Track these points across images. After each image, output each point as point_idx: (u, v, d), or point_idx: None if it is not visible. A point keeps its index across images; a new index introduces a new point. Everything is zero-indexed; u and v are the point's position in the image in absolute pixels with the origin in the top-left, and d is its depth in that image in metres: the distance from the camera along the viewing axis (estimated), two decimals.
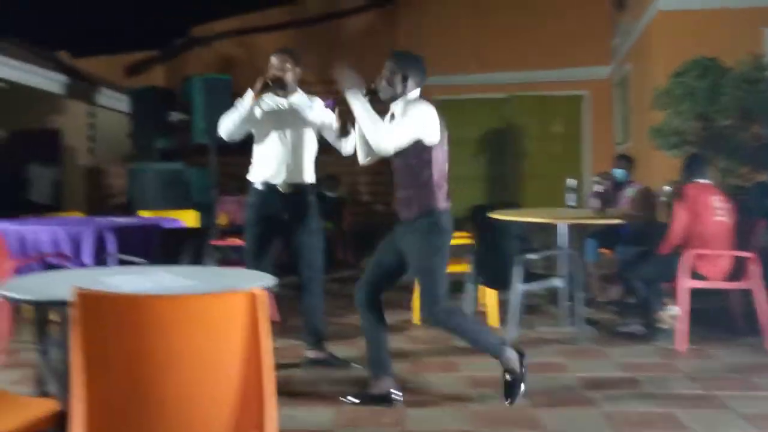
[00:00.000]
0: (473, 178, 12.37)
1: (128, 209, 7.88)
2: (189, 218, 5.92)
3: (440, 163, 3.28)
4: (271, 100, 3.86)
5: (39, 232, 4.45)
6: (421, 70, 3.38)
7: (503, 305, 5.01)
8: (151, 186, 7.82)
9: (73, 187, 10.74)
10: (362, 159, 3.47)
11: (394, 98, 3.33)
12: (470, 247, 5.03)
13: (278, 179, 3.79)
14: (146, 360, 1.58)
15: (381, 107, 3.32)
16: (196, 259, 4.27)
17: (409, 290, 6.07)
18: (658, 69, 7.80)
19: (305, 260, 3.87)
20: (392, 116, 3.29)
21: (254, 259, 3.80)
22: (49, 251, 4.42)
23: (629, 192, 5.71)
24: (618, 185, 5.86)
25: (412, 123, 3.16)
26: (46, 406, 1.88)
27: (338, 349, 4.15)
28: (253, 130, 3.86)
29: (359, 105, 3.16)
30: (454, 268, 5.24)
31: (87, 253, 4.35)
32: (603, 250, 5.84)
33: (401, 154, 3.21)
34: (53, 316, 2.36)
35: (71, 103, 10.51)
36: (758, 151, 6.39)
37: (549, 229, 5.31)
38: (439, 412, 3.26)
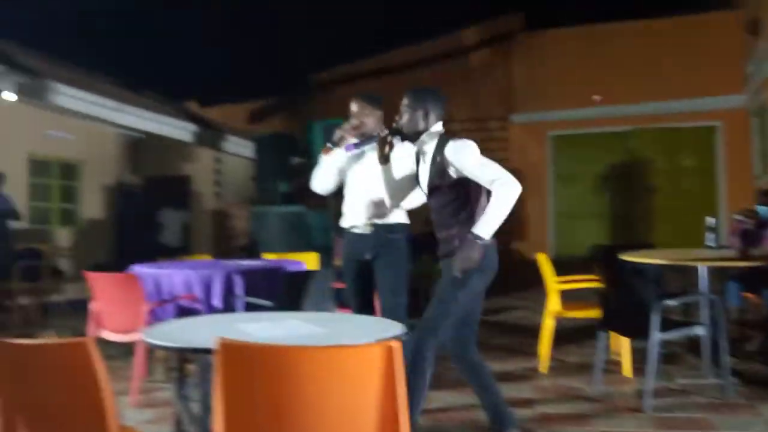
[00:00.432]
0: (594, 215, 11.92)
1: (252, 251, 8.16)
2: (310, 260, 6.02)
3: (481, 199, 3.19)
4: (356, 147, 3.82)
5: (173, 275, 4.64)
6: (440, 102, 3.30)
7: (637, 353, 4.70)
8: (273, 228, 8.07)
9: (200, 229, 11.33)
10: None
11: (417, 135, 3.26)
12: (599, 291, 4.76)
13: (360, 221, 3.81)
14: (284, 410, 1.55)
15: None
16: (319, 303, 4.29)
17: (534, 335, 5.85)
18: None
19: (380, 297, 3.85)
20: (420, 154, 3.29)
21: (355, 305, 3.83)
22: (182, 294, 4.59)
23: None
24: (762, 223, 5.39)
25: (483, 160, 3.11)
26: None
27: (452, 396, 4.02)
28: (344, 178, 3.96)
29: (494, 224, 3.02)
30: (582, 313, 5.01)
31: (217, 296, 4.48)
32: (747, 294, 5.37)
33: (439, 193, 3.18)
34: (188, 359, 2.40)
35: (200, 150, 11.15)
36: None
37: (686, 272, 4.96)
38: None
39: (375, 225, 3.77)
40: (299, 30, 16.24)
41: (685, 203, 11.01)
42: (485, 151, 11.40)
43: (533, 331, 6.23)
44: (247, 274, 4.62)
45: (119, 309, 4.38)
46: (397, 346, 1.49)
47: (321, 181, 3.90)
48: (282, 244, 7.47)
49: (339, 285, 5.66)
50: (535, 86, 11.90)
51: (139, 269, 4.88)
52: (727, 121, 10.85)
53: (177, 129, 10.43)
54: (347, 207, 3.92)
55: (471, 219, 3.11)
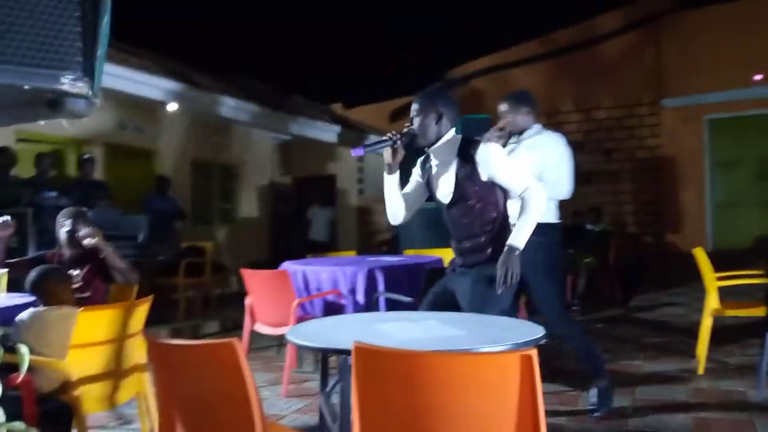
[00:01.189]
0: (757, 203, 10.95)
1: (394, 246, 8.30)
2: (450, 256, 6.03)
3: (505, 204, 3.05)
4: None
5: (320, 272, 4.86)
6: (453, 104, 3.04)
7: None
8: (414, 224, 8.16)
9: (345, 225, 11.73)
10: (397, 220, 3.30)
11: (431, 142, 3.02)
12: (765, 287, 4.38)
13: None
14: (418, 415, 1.58)
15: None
16: None
17: (691, 334, 5.49)
18: None
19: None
20: (431, 162, 3.10)
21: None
22: (328, 289, 4.79)
23: None
24: None
25: (512, 164, 2.98)
26: None
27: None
28: None
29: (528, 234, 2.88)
30: (744, 312, 4.63)
31: (360, 292, 4.63)
32: None
33: (464, 202, 2.96)
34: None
35: (344, 150, 11.52)
36: None
37: None
38: None
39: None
40: (436, 26, 16.32)
41: None
42: (635, 139, 11.02)
43: (690, 330, 5.85)
44: (389, 271, 4.73)
45: (271, 303, 4.64)
46: (534, 354, 1.47)
47: None
48: (423, 239, 7.54)
49: None
50: (688, 68, 11.11)
51: (289, 266, 5.15)
52: None
53: (323, 131, 10.86)
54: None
55: (503, 227, 2.97)
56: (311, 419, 3.83)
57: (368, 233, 11.66)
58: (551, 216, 3.75)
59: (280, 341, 5.60)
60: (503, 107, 3.80)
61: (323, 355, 2.33)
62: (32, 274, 3.00)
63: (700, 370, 4.57)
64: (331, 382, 2.45)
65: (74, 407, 2.59)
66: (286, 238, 11.74)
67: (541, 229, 3.68)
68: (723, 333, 5.09)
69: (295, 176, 12.37)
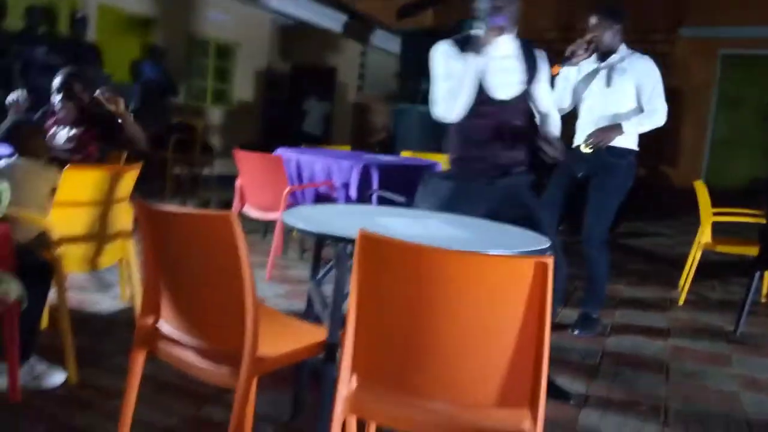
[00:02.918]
0: (756, 145, 10.86)
1: (390, 147, 8.16)
2: (445, 161, 5.92)
3: None
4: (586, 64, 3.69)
5: (314, 161, 4.74)
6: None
7: None
8: (412, 126, 7.99)
9: (341, 120, 11.49)
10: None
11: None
12: (760, 227, 4.34)
13: (579, 141, 3.69)
14: (420, 310, 1.51)
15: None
16: None
17: (674, 264, 5.52)
18: None
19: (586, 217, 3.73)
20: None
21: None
22: (321, 180, 4.69)
23: None
24: None
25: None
26: (315, 334, 1.93)
27: None
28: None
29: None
30: (736, 249, 4.62)
31: (354, 187, 4.54)
32: None
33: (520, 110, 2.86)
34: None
35: (347, 41, 11.12)
36: None
37: None
38: (705, 413, 2.86)
39: (594, 147, 3.54)
40: None
41: None
42: None
43: (673, 261, 5.89)
44: (385, 169, 4.62)
45: (263, 187, 4.55)
46: (551, 263, 1.38)
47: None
48: (420, 142, 7.40)
49: None
50: None
51: (283, 152, 5.02)
52: None
53: (328, 18, 10.41)
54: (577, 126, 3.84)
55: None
56: (294, 305, 3.83)
57: (363, 132, 11.46)
58: (633, 142, 3.69)
59: (266, 226, 5.55)
60: (593, 20, 3.56)
61: (318, 241, 2.25)
62: (5, 124, 2.94)
63: (681, 301, 4.61)
64: (322, 271, 2.38)
65: (54, 265, 2.53)
66: (278, 126, 11.50)
67: (623, 152, 3.63)
68: (706, 268, 5.10)
69: (294, 64, 11.96)
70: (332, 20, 10.47)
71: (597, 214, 3.65)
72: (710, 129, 11.15)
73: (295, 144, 6.15)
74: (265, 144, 7.82)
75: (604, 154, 3.59)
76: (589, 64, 3.65)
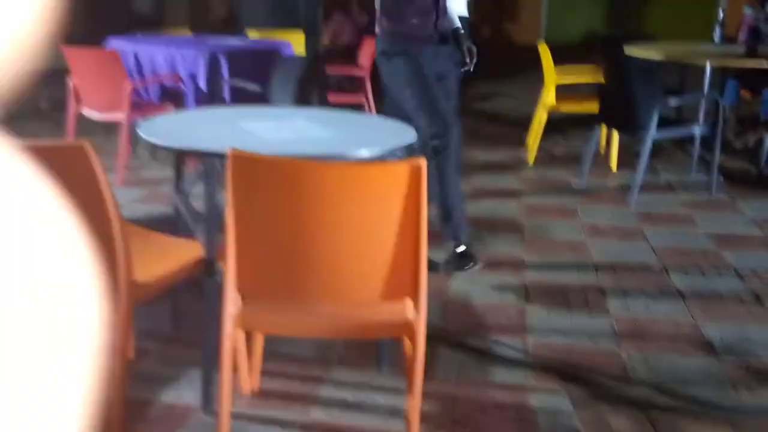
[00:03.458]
0: (591, 1, 11.34)
1: (233, 23, 7.70)
2: (296, 40, 5.70)
3: None
4: None
5: (155, 53, 4.39)
6: None
7: (622, 146, 4.73)
8: (257, 1, 7.54)
9: None
10: None
11: None
12: (599, 85, 4.64)
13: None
14: (299, 222, 1.51)
15: None
16: (309, 91, 4.14)
17: (521, 124, 5.81)
18: None
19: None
20: None
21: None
22: (165, 73, 4.38)
23: None
24: None
25: None
26: (190, 251, 1.88)
27: None
28: None
29: None
30: (578, 107, 4.93)
31: (202, 78, 4.29)
32: (744, 92, 5.30)
33: None
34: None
35: None
36: None
37: (685, 66, 4.82)
38: (558, 264, 3.15)
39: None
40: None
41: None
42: None
43: (520, 121, 6.18)
44: (234, 55, 4.39)
45: (100, 86, 4.18)
46: (424, 165, 1.41)
47: None
48: (266, 18, 7.02)
49: (333, 70, 5.47)
50: None
51: (118, 44, 4.60)
52: None
53: None
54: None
55: None
56: (153, 210, 3.68)
57: (203, 8, 10.67)
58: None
59: (110, 127, 5.16)
60: None
61: (181, 156, 2.13)
62: None
63: (530, 160, 4.91)
64: (185, 181, 2.29)
65: None
66: (103, 7, 10.41)
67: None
68: (551, 125, 5.40)
69: None
70: None
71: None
72: None
73: (126, 30, 5.64)
74: (91, 31, 7.09)
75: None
76: None
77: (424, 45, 2.87)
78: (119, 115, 4.10)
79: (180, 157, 2.17)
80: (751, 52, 4.42)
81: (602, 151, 5.09)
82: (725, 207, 3.97)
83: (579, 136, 5.62)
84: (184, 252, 1.88)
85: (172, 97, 4.43)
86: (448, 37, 2.96)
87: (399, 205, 1.46)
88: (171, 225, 2.31)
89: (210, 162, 1.74)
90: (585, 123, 4.79)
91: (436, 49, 2.91)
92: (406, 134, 2.01)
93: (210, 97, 4.27)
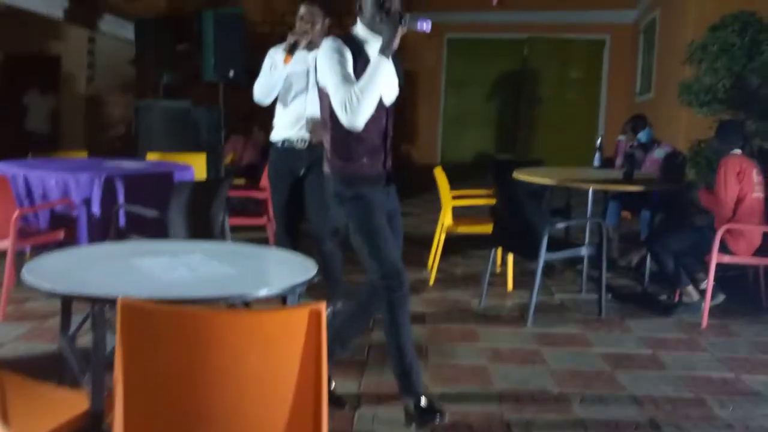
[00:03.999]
0: (482, 123, 12.09)
1: (133, 148, 7.61)
2: (198, 162, 5.71)
3: None
4: (295, 57, 3.77)
5: (47, 177, 4.24)
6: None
7: (517, 266, 4.91)
8: (157, 124, 7.54)
9: (71, 116, 10.44)
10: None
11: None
12: (492, 207, 4.87)
13: (297, 136, 3.82)
14: (194, 375, 1.44)
15: None
16: (214, 214, 4.11)
17: (422, 243, 5.94)
18: (690, 19, 7.48)
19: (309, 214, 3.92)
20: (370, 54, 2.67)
21: (282, 222, 3.93)
22: (57, 198, 4.22)
23: (658, 153, 5.52)
24: (645, 147, 5.65)
25: None
26: (75, 403, 1.75)
27: None
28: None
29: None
30: (474, 229, 5.11)
31: (96, 203, 4.16)
32: (624, 213, 5.71)
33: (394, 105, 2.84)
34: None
35: (71, 27, 10.08)
36: None
37: (571, 188, 5.15)
38: (462, 386, 3.16)
39: (313, 142, 3.73)
40: None
41: (569, 113, 11.40)
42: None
43: (422, 240, 6.33)
44: (132, 179, 4.31)
45: None
46: (323, 309, 1.40)
47: (269, 93, 3.78)
48: (166, 141, 7.01)
49: (235, 193, 5.48)
50: None
51: (7, 168, 4.42)
52: (616, 35, 11.13)
53: (43, 3, 9.30)
54: (281, 120, 3.88)
55: None
56: (36, 347, 3.43)
57: (100, 127, 10.54)
58: None
59: None
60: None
61: (68, 300, 2.02)
62: None
63: (431, 281, 5.00)
64: (74, 323, 2.16)
65: None
66: None
67: None
68: (450, 245, 5.54)
69: (8, 53, 10.55)
70: (50, 5, 9.39)
71: (323, 208, 3.50)
72: (441, 108, 12.17)
73: (18, 149, 5.47)
74: None
75: (319, 147, 3.44)
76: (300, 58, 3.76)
77: (375, 185, 2.73)
78: (4, 243, 3.88)
79: (66, 302, 2.05)
80: (628, 177, 4.81)
81: (499, 270, 5.27)
82: (615, 326, 4.15)
83: (477, 255, 5.81)
84: (68, 405, 1.74)
85: (63, 223, 4.26)
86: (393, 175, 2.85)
87: (298, 351, 1.43)
88: (56, 367, 2.15)
89: (98, 309, 1.65)
90: (483, 242, 4.97)
91: (386, 189, 2.79)
92: (307, 269, 2.00)
93: (104, 224, 4.14)
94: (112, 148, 9.70)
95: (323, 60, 2.58)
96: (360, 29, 2.70)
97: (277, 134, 3.89)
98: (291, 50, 3.62)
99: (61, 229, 4.19)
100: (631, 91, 10.75)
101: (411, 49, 12.00)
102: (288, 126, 3.84)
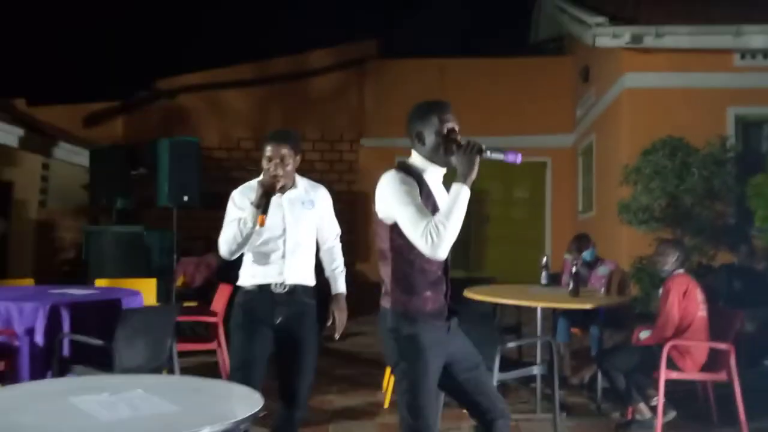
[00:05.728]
0: None
1: (83, 274, 7.50)
2: (148, 287, 5.65)
3: None
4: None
5: None
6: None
7: None
8: (107, 249, 7.49)
9: (20, 241, 10.27)
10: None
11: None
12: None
13: (271, 281, 3.19)
14: None
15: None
16: (160, 340, 4.03)
17: (378, 364, 5.86)
18: (622, 144, 7.96)
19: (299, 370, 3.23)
20: (431, 187, 2.68)
21: (241, 369, 3.10)
22: None
23: (601, 270, 5.70)
24: (590, 264, 5.84)
25: None
26: None
27: None
28: None
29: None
30: None
31: (40, 333, 4.05)
32: (574, 329, 5.79)
33: None
34: None
35: (25, 154, 10.13)
36: (722, 231, 6.52)
37: (520, 306, 5.23)
38: None
39: (289, 286, 3.18)
40: (145, 31, 15.38)
41: (516, 231, 11.76)
42: (334, 173, 11.56)
43: (376, 361, 6.26)
44: (77, 307, 4.23)
45: None
46: None
47: (236, 249, 3.10)
48: (117, 267, 6.94)
49: (184, 318, 5.40)
50: (385, 112, 12.17)
51: None
52: (556, 158, 11.74)
53: None
54: (251, 263, 3.22)
55: None
56: None
57: (50, 252, 10.38)
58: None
59: None
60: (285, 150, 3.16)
61: None
62: None
63: (386, 404, 4.91)
64: None
65: None
66: None
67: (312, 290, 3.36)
68: None
69: None
70: (5, 134, 9.48)
71: (313, 365, 3.25)
72: None
73: None
74: None
75: (302, 293, 3.24)
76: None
77: (437, 320, 2.57)
78: None
79: None
80: (575, 294, 4.94)
81: None
82: None
83: None
84: None
85: (4, 354, 4.11)
86: (456, 310, 2.69)
87: None
88: None
89: None
90: None
91: (447, 324, 2.61)
92: (253, 403, 1.98)
93: (47, 354, 4.01)
94: (62, 273, 9.51)
95: (390, 194, 2.53)
96: (416, 159, 2.70)
97: (247, 280, 3.24)
98: (264, 209, 3.02)
99: (1, 361, 4.04)
100: (574, 209, 11.20)
101: (365, 171, 12.41)
102: (259, 269, 3.22)
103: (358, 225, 12.44)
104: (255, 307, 3.16)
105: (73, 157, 10.45)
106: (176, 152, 6.68)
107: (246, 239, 3.05)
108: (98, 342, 3.89)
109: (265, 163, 3.13)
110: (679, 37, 7.65)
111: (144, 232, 7.65)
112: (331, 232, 3.46)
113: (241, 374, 2.99)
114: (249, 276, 3.22)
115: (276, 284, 3.15)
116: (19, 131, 9.57)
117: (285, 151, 3.12)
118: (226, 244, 3.09)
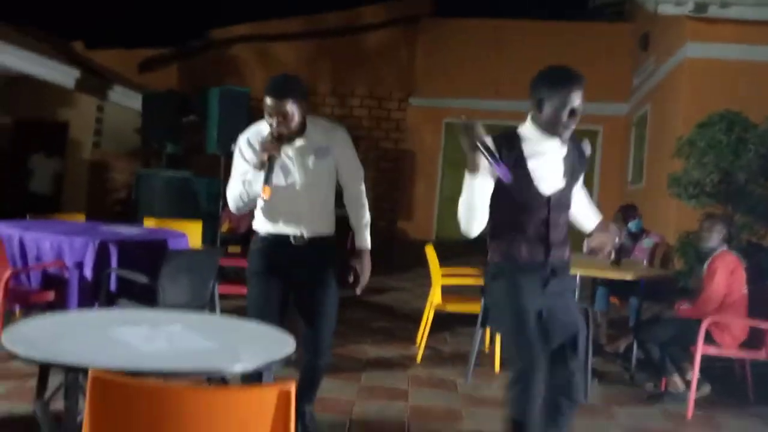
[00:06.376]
0: None
1: (131, 210, 7.73)
2: (194, 230, 5.80)
3: None
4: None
5: (41, 239, 4.31)
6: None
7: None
8: (157, 192, 7.69)
9: (75, 180, 10.62)
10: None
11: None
12: (482, 288, 4.90)
13: (288, 232, 2.99)
14: None
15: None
16: (203, 283, 4.15)
17: (413, 319, 5.93)
18: (679, 115, 7.71)
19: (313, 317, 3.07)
20: (527, 149, 2.71)
21: (257, 318, 2.80)
22: (50, 260, 4.28)
23: (646, 243, 5.60)
24: (635, 236, 5.74)
25: None
26: None
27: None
28: None
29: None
30: (462, 308, 5.14)
31: (89, 267, 4.21)
32: (613, 299, 5.73)
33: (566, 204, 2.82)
34: None
35: (81, 96, 10.38)
36: None
37: None
38: None
39: (308, 238, 3.00)
40: None
41: None
42: (381, 131, 11.54)
43: (412, 315, 6.35)
44: (125, 245, 4.37)
45: None
46: (293, 389, 1.43)
47: (243, 207, 2.94)
48: (165, 209, 7.12)
49: (227, 262, 5.53)
50: (436, 72, 12.02)
51: (4, 229, 4.49)
52: (609, 126, 11.45)
53: (57, 72, 9.63)
54: (266, 213, 3.02)
55: None
56: (16, 408, 3.41)
57: (102, 191, 10.69)
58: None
59: None
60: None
61: (45, 368, 2.04)
62: None
63: (419, 359, 4.98)
64: (50, 386, 2.17)
65: None
66: (0, 187, 10.28)
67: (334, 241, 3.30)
68: (439, 321, 5.55)
69: (18, 117, 10.84)
70: (63, 75, 9.71)
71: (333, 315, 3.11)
72: (438, 187, 12.38)
73: (20, 209, 5.56)
74: None
75: (314, 244, 3.04)
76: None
77: (533, 275, 2.66)
78: None
79: (44, 372, 2.07)
80: (616, 263, 4.87)
81: (487, 350, 5.25)
82: (600, 414, 4.12)
83: (466, 333, 5.80)
84: None
85: (54, 284, 4.29)
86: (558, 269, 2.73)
87: (267, 430, 1.45)
88: (31, 431, 2.15)
89: (73, 377, 1.68)
90: (472, 320, 4.97)
91: (546, 281, 2.68)
92: (285, 345, 2.03)
93: (95, 287, 4.17)
94: (113, 212, 9.82)
95: None
96: (528, 126, 2.71)
97: (263, 226, 3.05)
98: (267, 178, 2.80)
99: (51, 291, 4.22)
100: (623, 179, 10.95)
101: (412, 130, 12.34)
102: (274, 220, 3.02)
103: (402, 183, 12.45)
104: (272, 253, 2.99)
105: (126, 101, 10.65)
106: (226, 101, 6.76)
107: (252, 200, 2.91)
108: (143, 279, 4.02)
109: (266, 117, 2.87)
110: (744, 7, 7.31)
111: (192, 177, 7.80)
112: (352, 177, 3.11)
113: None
114: (265, 223, 3.02)
115: (294, 236, 2.98)
116: (76, 73, 9.78)
117: (287, 107, 2.79)
118: (233, 200, 2.95)
